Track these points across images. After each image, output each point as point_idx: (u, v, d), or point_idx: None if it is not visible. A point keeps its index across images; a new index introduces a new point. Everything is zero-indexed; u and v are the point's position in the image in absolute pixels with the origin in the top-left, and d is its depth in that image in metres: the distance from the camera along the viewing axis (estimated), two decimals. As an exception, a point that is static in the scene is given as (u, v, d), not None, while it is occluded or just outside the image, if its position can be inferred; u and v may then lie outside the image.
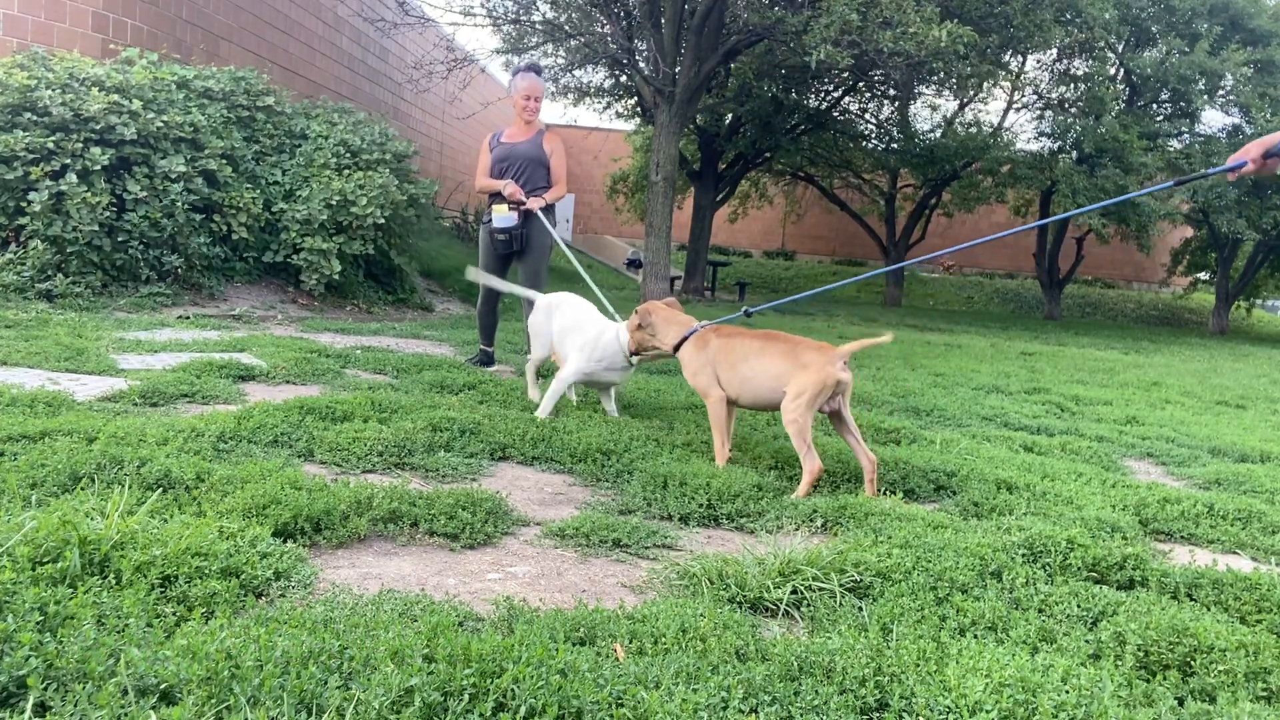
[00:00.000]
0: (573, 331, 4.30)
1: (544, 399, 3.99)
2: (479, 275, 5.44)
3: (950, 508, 2.97)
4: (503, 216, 5.38)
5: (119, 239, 6.95)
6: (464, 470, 3.04)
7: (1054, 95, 20.56)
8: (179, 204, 7.23)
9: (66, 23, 8.59)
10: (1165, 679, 1.70)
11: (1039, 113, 20.70)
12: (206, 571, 1.80)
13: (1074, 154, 19.17)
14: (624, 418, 4.00)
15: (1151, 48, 19.08)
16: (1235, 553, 2.81)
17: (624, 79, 17.24)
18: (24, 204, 6.56)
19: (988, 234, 30.11)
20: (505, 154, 5.49)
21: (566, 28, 13.94)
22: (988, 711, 1.44)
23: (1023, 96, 21.45)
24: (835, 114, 19.24)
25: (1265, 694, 1.68)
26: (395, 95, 16.67)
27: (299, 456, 3.02)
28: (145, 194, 7.05)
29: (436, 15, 19.80)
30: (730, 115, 17.94)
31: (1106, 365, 9.69)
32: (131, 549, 1.80)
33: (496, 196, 5.40)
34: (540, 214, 5.40)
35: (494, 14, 13.91)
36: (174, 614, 1.65)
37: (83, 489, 2.26)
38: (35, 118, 6.80)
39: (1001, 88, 20.29)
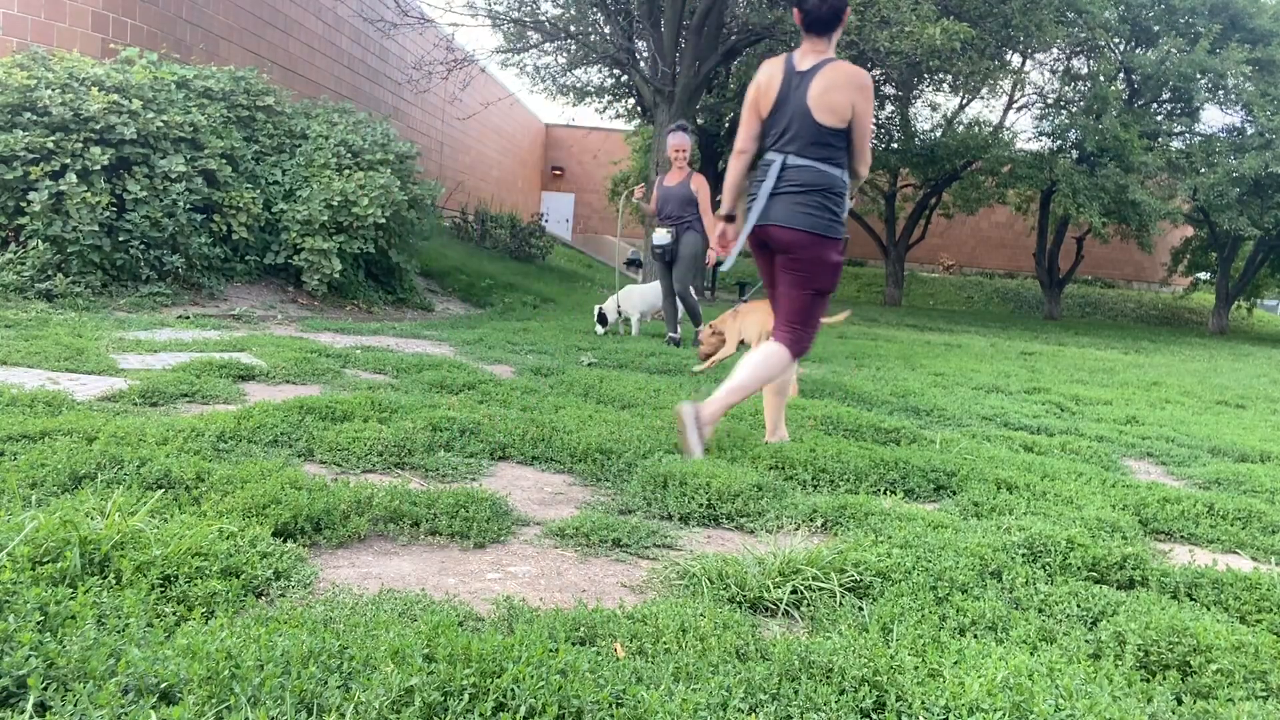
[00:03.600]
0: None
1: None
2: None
3: (950, 508, 2.97)
4: (660, 237, 7.28)
5: (119, 239, 6.96)
6: (464, 470, 3.05)
7: (1054, 94, 20.53)
8: (179, 204, 7.24)
9: (66, 22, 8.59)
10: (1165, 678, 1.70)
11: (1040, 112, 20.69)
12: (207, 571, 1.80)
13: (1074, 153, 19.14)
14: (624, 416, 4.00)
15: (1152, 47, 19.08)
16: (1235, 552, 2.82)
17: (624, 79, 17.23)
18: (24, 204, 6.56)
19: (988, 234, 30.13)
20: (663, 195, 7.32)
21: (571, 27, 13.93)
22: (985, 711, 1.44)
23: (1023, 95, 21.43)
24: (835, 114, 19.18)
25: (1264, 693, 1.68)
26: (395, 95, 16.66)
27: (299, 456, 3.02)
28: (145, 194, 7.05)
29: (436, 15, 19.76)
30: (730, 115, 17.93)
31: (1106, 365, 9.70)
32: (132, 549, 1.80)
33: (664, 220, 7.31)
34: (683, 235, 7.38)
35: (494, 14, 13.90)
36: (174, 614, 1.65)
37: (83, 489, 2.27)
38: (35, 117, 6.80)
39: (1002, 86, 20.28)
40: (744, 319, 5.68)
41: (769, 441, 3.63)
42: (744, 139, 3.52)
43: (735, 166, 3.56)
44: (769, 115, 3.45)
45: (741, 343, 5.72)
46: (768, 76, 3.47)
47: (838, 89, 3.32)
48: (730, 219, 3.60)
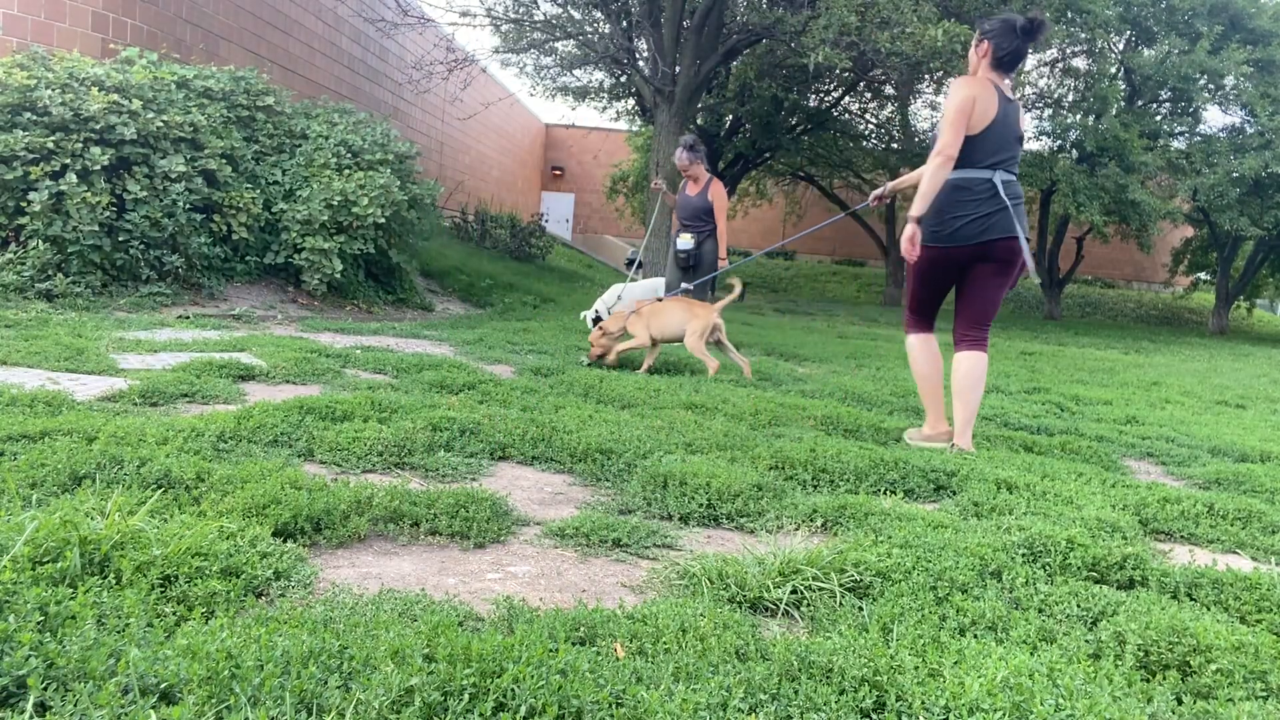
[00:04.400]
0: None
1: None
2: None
3: (950, 508, 2.97)
4: (684, 243, 7.42)
5: (119, 239, 6.96)
6: (464, 470, 3.05)
7: (1054, 94, 20.52)
8: (179, 204, 7.24)
9: (66, 22, 8.59)
10: (1165, 678, 1.70)
11: (1039, 110, 20.69)
12: (207, 571, 1.80)
13: (1074, 153, 19.13)
14: (624, 416, 4.00)
15: (1152, 47, 19.07)
16: (1235, 552, 2.82)
17: (624, 79, 17.23)
18: (24, 204, 6.56)
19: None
20: (682, 203, 7.50)
21: (567, 28, 13.93)
22: (985, 711, 1.44)
23: (1023, 96, 21.42)
24: (835, 114, 19.20)
25: (1264, 693, 1.68)
26: (395, 95, 16.67)
27: (299, 456, 3.02)
28: (145, 194, 7.05)
29: (436, 15, 19.77)
30: (730, 115, 17.94)
31: (1106, 365, 9.70)
32: (132, 549, 1.80)
33: (684, 227, 7.42)
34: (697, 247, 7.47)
35: (493, 15, 13.90)
36: (174, 614, 1.65)
37: (83, 489, 2.26)
38: (35, 117, 6.80)
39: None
40: (657, 317, 5.97)
41: (957, 444, 3.89)
42: (953, 145, 3.68)
43: (940, 175, 3.72)
44: (981, 133, 3.73)
45: (655, 341, 5.99)
46: (984, 96, 3.74)
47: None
48: (920, 221, 3.84)
